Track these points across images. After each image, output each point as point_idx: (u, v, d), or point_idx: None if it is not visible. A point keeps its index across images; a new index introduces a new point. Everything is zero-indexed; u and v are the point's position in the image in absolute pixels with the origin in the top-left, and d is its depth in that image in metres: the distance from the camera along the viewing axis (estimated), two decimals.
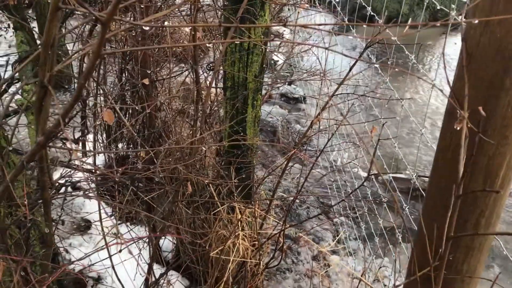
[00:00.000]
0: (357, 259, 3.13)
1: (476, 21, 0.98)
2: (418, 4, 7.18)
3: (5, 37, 4.83)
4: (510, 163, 1.08)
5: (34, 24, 3.73)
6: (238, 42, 1.99)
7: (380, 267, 2.96)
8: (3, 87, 1.34)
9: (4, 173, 0.94)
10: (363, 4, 2.89)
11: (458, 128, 0.95)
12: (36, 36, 3.09)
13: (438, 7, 1.41)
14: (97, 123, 2.12)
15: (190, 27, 1.90)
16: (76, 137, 2.39)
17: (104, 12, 0.74)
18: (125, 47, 2.54)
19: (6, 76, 1.49)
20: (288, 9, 5.89)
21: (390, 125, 4.07)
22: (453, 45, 6.10)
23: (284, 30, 6.77)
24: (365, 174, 3.77)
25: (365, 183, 1.71)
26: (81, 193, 1.57)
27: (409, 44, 2.19)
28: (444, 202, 1.10)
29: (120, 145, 2.74)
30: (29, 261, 0.99)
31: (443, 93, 1.07)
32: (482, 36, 0.99)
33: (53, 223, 1.24)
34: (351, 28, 3.28)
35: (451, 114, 1.10)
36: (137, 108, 2.31)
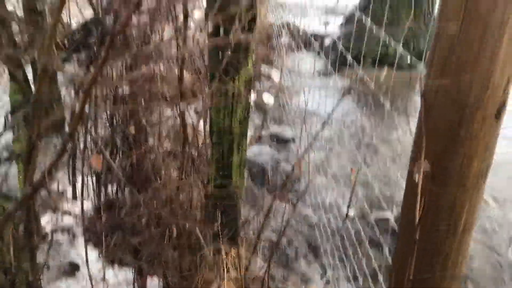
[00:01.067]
0: None
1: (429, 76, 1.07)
2: (403, 46, 7.40)
3: None
4: (470, 209, 1.15)
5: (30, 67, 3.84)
6: (223, 91, 2.08)
7: None
8: None
9: None
10: (347, 48, 3.03)
11: (416, 180, 1.02)
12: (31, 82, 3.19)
13: (409, 60, 1.51)
14: (84, 168, 2.19)
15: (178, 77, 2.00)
16: (62, 186, 2.45)
17: (86, 76, 0.82)
18: (116, 91, 2.64)
19: None
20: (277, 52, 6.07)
21: (378, 165, 4.16)
22: None
23: (274, 73, 6.96)
24: (354, 215, 3.82)
25: (351, 223, 1.77)
26: (66, 233, 1.62)
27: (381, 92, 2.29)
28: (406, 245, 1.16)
29: (109, 188, 2.79)
30: None
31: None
32: (438, 92, 1.08)
33: (40, 269, 1.28)
34: (334, 72, 3.42)
35: (414, 160, 1.18)
36: (124, 151, 2.38)
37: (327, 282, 3.33)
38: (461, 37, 1.01)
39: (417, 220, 0.99)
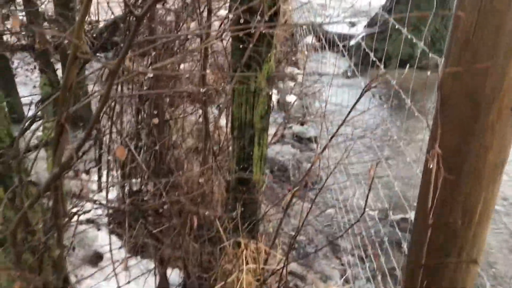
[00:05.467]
0: None
1: (447, 69, 1.08)
2: (430, 47, 7.31)
3: (30, 78, 5.10)
4: (486, 200, 1.16)
5: (58, 65, 3.96)
6: (245, 85, 2.12)
7: None
8: (26, 124, 1.48)
9: (23, 202, 1.06)
10: (371, 48, 3.03)
11: (430, 167, 1.04)
12: (59, 77, 3.30)
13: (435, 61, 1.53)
14: (109, 158, 2.25)
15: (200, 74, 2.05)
16: (87, 169, 2.53)
17: (113, 62, 0.87)
18: (142, 87, 2.71)
19: (29, 115, 1.63)
20: (301, 51, 6.09)
21: (400, 166, 4.13)
22: None
23: (298, 73, 6.97)
24: (375, 214, 3.81)
25: (378, 224, 1.79)
26: (91, 223, 1.68)
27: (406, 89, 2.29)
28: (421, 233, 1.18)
29: (133, 181, 2.87)
30: (41, 280, 1.09)
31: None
32: (454, 84, 1.09)
33: (65, 249, 1.34)
34: (358, 73, 3.42)
35: (429, 153, 1.20)
36: (150, 145, 2.44)
37: (346, 280, 3.34)
38: (477, 29, 1.03)
39: (429, 206, 1.01)
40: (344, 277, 3.30)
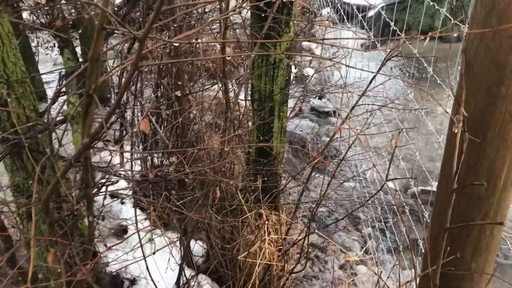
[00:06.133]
0: (385, 270, 3.17)
1: (470, 33, 1.07)
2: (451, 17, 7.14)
3: (50, 56, 5.16)
4: (511, 165, 1.15)
5: (75, 43, 4.00)
6: (264, 57, 2.12)
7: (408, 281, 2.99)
8: (54, 98, 1.52)
9: (55, 170, 1.09)
10: (390, 19, 2.98)
11: (455, 131, 1.04)
12: (78, 54, 3.34)
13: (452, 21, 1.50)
14: (134, 130, 2.29)
15: (221, 44, 2.05)
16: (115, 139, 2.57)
17: (141, 31, 0.89)
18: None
19: (54, 90, 1.66)
20: (318, 25, 6.01)
21: (417, 139, 4.11)
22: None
23: (317, 47, 6.90)
24: (393, 187, 3.81)
25: (398, 196, 1.79)
26: (115, 197, 1.72)
27: (429, 56, 2.26)
28: (445, 197, 1.18)
29: (155, 155, 2.91)
30: (75, 245, 1.14)
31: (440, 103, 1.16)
32: (479, 48, 1.08)
33: (94, 218, 1.39)
34: (378, 43, 3.37)
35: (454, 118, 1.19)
36: (170, 119, 2.47)
37: (367, 252, 3.37)
38: None
39: (454, 171, 1.01)
40: (364, 248, 3.34)
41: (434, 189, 2.15)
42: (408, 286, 2.95)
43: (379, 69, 1.98)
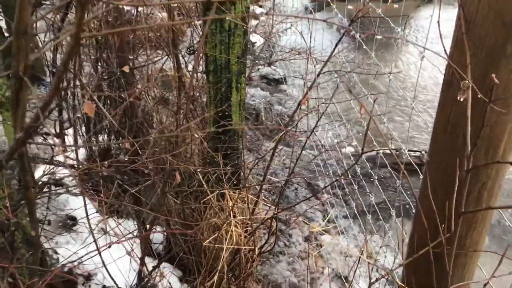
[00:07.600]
0: (348, 237, 3.13)
1: None
2: None
3: None
4: (511, 131, 1.05)
5: None
6: (218, 23, 1.92)
7: (381, 246, 2.96)
8: None
9: None
10: None
11: (462, 99, 0.91)
12: (3, 29, 2.97)
13: None
14: (77, 115, 2.04)
15: (167, 9, 1.82)
16: (56, 131, 2.29)
17: None
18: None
19: None
20: None
21: (376, 102, 4.04)
22: (428, 18, 6.09)
23: (262, 12, 6.68)
24: (352, 152, 3.76)
25: (353, 161, 1.68)
26: (66, 189, 1.50)
27: (392, 16, 2.14)
28: (447, 178, 1.06)
29: (101, 138, 2.66)
30: (16, 267, 0.93)
31: (432, 65, 1.03)
32: (481, 2, 0.94)
33: (39, 224, 1.18)
34: (331, 5, 3.22)
35: (450, 84, 1.07)
36: (116, 98, 2.22)
37: (329, 221, 3.31)
38: None
39: (468, 147, 0.89)
40: (327, 218, 3.27)
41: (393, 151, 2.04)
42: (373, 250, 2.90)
43: (339, 40, 1.83)
